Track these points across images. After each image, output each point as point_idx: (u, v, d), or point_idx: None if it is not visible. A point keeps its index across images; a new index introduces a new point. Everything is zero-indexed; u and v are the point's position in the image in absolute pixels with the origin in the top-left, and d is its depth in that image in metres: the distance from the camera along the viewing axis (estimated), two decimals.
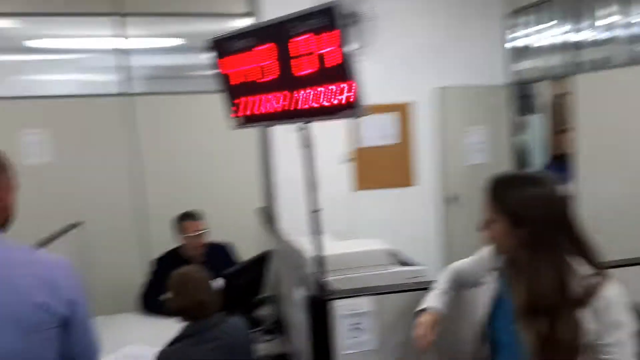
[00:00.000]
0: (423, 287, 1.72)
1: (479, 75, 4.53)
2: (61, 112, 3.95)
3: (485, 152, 4.62)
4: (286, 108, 1.70)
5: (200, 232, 3.04)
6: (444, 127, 4.55)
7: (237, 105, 1.91)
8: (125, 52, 4.05)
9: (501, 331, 1.42)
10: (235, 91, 1.89)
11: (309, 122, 1.67)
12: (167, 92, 4.15)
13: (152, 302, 2.88)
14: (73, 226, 3.22)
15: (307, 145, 1.79)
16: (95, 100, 4.01)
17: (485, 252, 1.57)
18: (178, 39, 4.29)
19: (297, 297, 1.86)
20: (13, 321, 1.22)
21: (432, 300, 1.63)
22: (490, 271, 1.47)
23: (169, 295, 1.99)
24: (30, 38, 4.05)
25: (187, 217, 3.09)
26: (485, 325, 1.46)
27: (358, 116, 1.51)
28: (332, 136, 4.10)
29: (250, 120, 1.91)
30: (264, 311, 2.86)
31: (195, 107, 4.09)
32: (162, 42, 4.23)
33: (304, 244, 2.88)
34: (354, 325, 1.70)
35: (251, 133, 4.17)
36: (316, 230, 1.85)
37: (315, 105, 1.59)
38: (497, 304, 1.43)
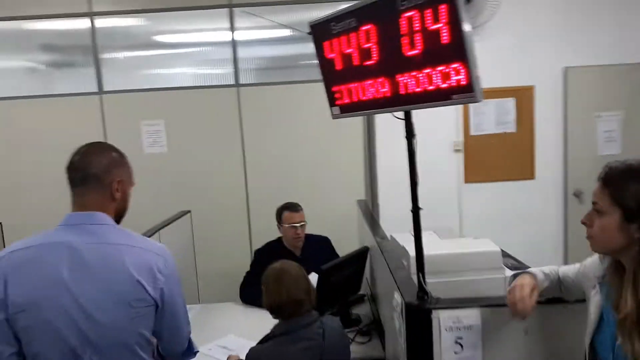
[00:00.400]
0: (543, 301, 1.47)
1: (614, 53, 3.95)
2: (176, 104, 4.12)
3: (618, 142, 4.05)
4: (390, 94, 1.52)
5: (299, 224, 2.98)
6: (570, 113, 4.05)
7: (338, 93, 1.77)
8: (235, 44, 4.11)
9: (602, 347, 1.26)
10: (336, 77, 1.75)
11: (416, 108, 1.48)
12: (273, 82, 4.14)
13: (250, 293, 2.89)
14: (183, 214, 3.34)
15: (411, 135, 1.61)
16: (206, 92, 4.12)
17: (590, 261, 1.40)
18: (285, 29, 4.26)
19: (395, 302, 1.70)
20: (115, 294, 1.35)
21: (532, 270, 1.47)
22: (595, 284, 1.32)
23: (263, 289, 1.93)
24: (150, 34, 4.26)
25: (287, 209, 3.05)
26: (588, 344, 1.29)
27: (472, 101, 1.29)
28: (439, 123, 3.82)
29: (351, 108, 1.74)
30: (360, 310, 2.73)
31: (302, 97, 4.04)
32: (270, 33, 4.23)
33: (405, 242, 2.71)
34: (458, 339, 1.50)
35: (357, 122, 4.05)
36: (418, 228, 1.66)
37: (424, 89, 1.39)
38: (599, 317, 1.29)
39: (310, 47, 1.82)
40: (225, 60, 4.14)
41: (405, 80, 1.44)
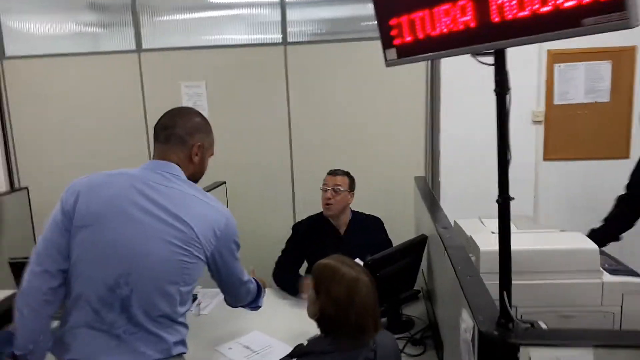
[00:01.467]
0: None
1: None
2: (218, 64, 3.76)
3: None
4: (476, 24, 1.02)
5: (330, 187, 2.55)
6: None
7: (396, 28, 1.26)
8: (283, 4, 3.66)
9: None
10: (395, 5, 1.25)
11: (516, 44, 0.97)
12: (323, 40, 3.67)
13: (287, 279, 2.52)
14: (217, 185, 2.99)
15: (504, 87, 1.10)
16: (251, 51, 3.71)
17: None
18: None
19: (464, 324, 1.24)
20: (168, 234, 1.40)
21: None
22: None
23: (316, 292, 1.46)
24: None
25: (328, 173, 2.64)
26: None
27: (620, 27, 0.77)
28: (516, 88, 3.20)
29: (414, 49, 1.23)
30: (413, 310, 2.28)
31: (354, 57, 3.56)
32: None
33: (473, 231, 2.21)
34: None
35: (418, 80, 3.51)
36: (506, 225, 1.18)
37: (532, 12, 0.88)
38: None
39: (361, 8, 1.32)
40: (273, 22, 3.71)
41: (501, 1, 0.94)
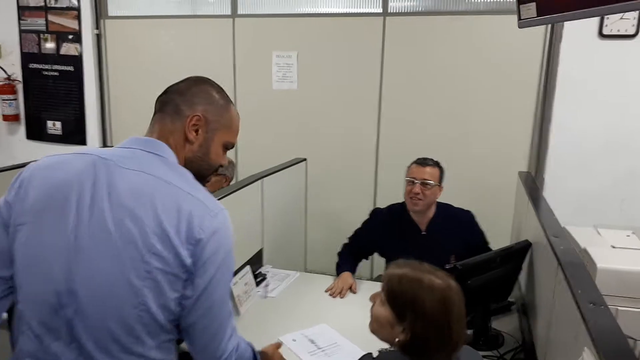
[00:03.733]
0: None
1: None
2: (311, 34, 3.58)
3: None
4: None
5: (419, 180, 2.26)
6: None
7: None
8: None
9: None
10: None
11: None
12: (428, 11, 3.36)
13: (342, 257, 2.38)
14: (297, 161, 2.83)
15: None
16: (347, 21, 3.49)
17: None
18: None
19: None
20: (126, 238, 1.00)
21: None
22: None
23: (402, 319, 1.15)
24: None
25: (415, 162, 2.35)
26: None
27: None
28: None
29: (559, 4, 0.94)
30: (503, 324, 1.97)
31: (458, 31, 3.22)
32: None
33: (588, 242, 1.86)
34: None
35: (532, 63, 3.11)
36: None
37: None
38: None
39: None
40: None
41: None
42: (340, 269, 2.31)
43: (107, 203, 1.01)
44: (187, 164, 1.13)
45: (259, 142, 3.74)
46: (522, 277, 2.07)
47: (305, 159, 2.88)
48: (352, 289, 2.21)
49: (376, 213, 2.47)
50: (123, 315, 1.00)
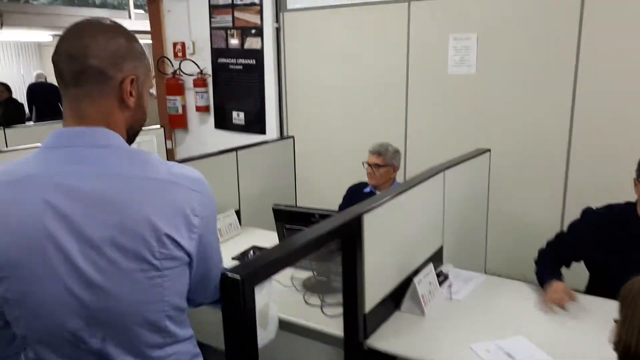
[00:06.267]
0: None
1: None
2: (493, 13, 3.29)
3: None
4: None
5: None
6: None
7: None
8: None
9: None
10: None
11: None
12: None
13: (543, 263, 2.07)
14: (479, 152, 2.61)
15: None
16: None
17: None
18: None
19: None
20: (127, 252, 0.90)
21: None
22: None
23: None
24: None
25: None
26: None
27: None
28: None
29: None
30: None
31: None
32: None
33: None
34: None
35: None
36: None
37: None
38: None
39: None
40: None
41: None
42: (546, 277, 1.99)
43: (86, 225, 0.89)
44: (128, 131, 1.00)
45: (430, 131, 3.58)
46: None
47: (489, 150, 2.65)
48: (570, 299, 1.87)
49: (590, 214, 2.06)
50: (149, 320, 0.96)
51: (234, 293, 1.10)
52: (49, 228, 0.89)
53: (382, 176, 2.74)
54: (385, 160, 2.74)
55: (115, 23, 0.99)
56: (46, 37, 9.86)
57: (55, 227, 0.89)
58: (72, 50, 0.92)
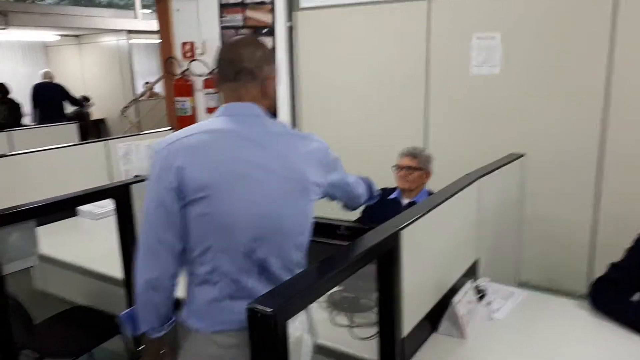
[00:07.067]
0: None
1: None
2: (518, 11, 3.13)
3: None
4: None
5: None
6: None
7: None
8: None
9: None
10: None
11: None
12: None
13: (613, 300, 1.77)
14: (512, 158, 2.46)
15: None
16: None
17: None
18: None
19: None
20: (294, 183, 1.34)
21: None
22: None
23: None
24: None
25: None
26: None
27: None
28: None
29: None
30: None
31: None
32: None
33: None
34: None
35: None
36: None
37: None
38: None
39: None
40: None
41: None
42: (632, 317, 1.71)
43: (265, 164, 1.30)
44: (266, 112, 1.40)
45: (451, 134, 3.42)
46: None
47: (522, 155, 2.49)
48: None
49: None
50: (299, 242, 1.36)
51: (265, 329, 0.96)
52: (240, 162, 1.29)
53: (415, 181, 2.54)
54: (419, 163, 2.54)
55: (258, 39, 1.45)
56: (52, 37, 9.76)
57: (243, 162, 1.29)
58: (231, 57, 1.36)
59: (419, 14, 3.46)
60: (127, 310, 1.44)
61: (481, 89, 3.31)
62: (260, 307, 0.96)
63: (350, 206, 1.69)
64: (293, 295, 1.04)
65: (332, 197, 1.56)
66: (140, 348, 1.42)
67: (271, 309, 0.96)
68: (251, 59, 1.35)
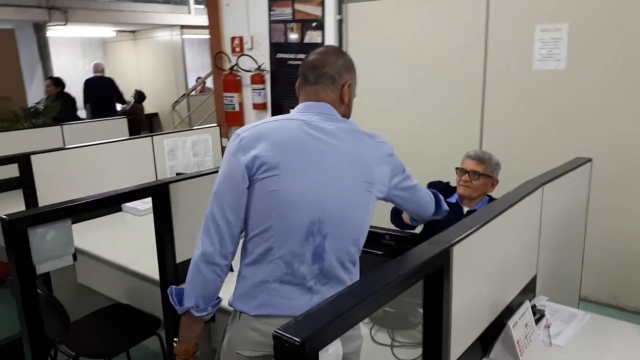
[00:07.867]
0: None
1: None
2: (590, 3, 2.86)
3: None
4: None
5: None
6: None
7: None
8: None
9: None
10: None
11: None
12: None
13: None
14: (579, 163, 2.22)
15: None
16: None
17: None
18: None
19: None
20: (358, 176, 1.39)
21: None
22: None
23: None
24: None
25: None
26: None
27: None
28: None
29: None
30: None
31: None
32: None
33: None
34: None
35: None
36: None
37: None
38: None
39: None
40: None
41: None
42: None
43: (335, 153, 1.36)
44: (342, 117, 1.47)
45: (510, 135, 3.18)
46: None
47: (590, 160, 2.25)
48: None
49: None
50: (355, 238, 1.37)
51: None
52: (308, 146, 1.35)
53: (479, 188, 2.30)
54: (486, 170, 2.29)
55: (340, 49, 1.61)
56: (110, 32, 10.06)
57: (315, 147, 1.35)
58: (315, 63, 1.45)
59: (477, 4, 3.25)
60: (177, 286, 1.45)
61: (544, 86, 3.06)
62: (287, 335, 0.85)
63: (417, 217, 1.70)
64: (325, 324, 0.91)
65: (398, 205, 1.57)
66: (175, 340, 1.45)
67: (300, 339, 0.84)
68: (333, 65, 1.44)
